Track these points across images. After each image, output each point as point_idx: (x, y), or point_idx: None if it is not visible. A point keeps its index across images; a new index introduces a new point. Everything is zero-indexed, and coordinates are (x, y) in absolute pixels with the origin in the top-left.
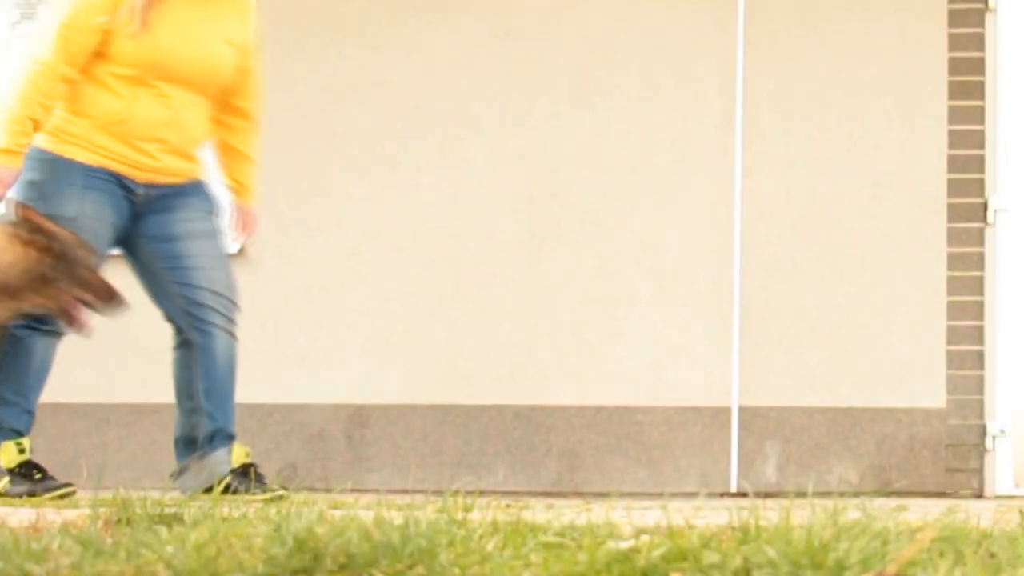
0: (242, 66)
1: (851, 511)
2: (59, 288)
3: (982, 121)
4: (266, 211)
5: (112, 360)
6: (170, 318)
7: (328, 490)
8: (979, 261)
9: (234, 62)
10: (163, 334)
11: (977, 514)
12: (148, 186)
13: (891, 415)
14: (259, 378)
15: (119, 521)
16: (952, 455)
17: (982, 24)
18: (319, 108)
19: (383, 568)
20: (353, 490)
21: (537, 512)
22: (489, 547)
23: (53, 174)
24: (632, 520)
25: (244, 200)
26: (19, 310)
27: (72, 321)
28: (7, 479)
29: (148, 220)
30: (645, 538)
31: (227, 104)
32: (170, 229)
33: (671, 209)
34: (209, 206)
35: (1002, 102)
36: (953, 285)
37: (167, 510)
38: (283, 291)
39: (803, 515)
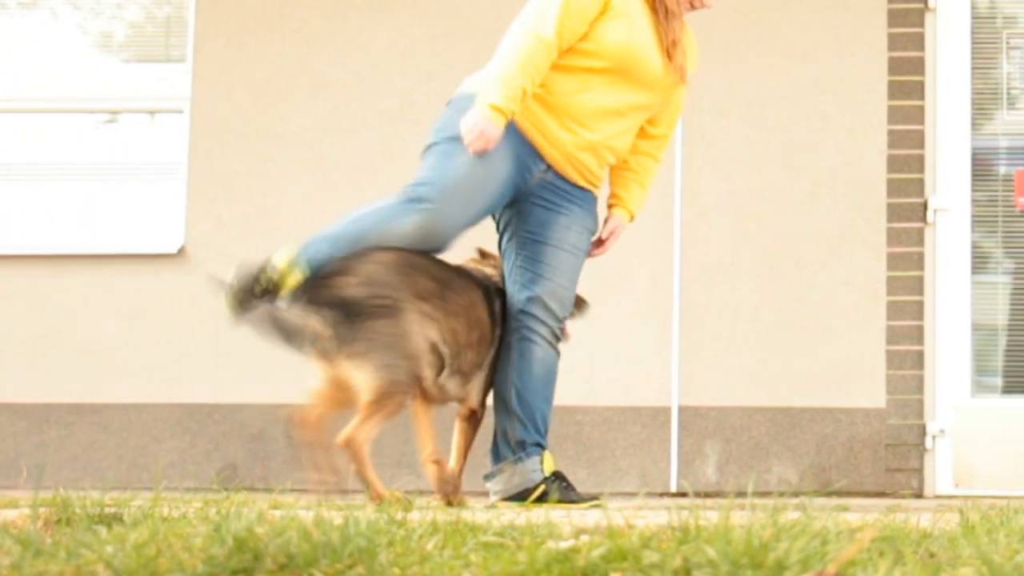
0: (678, 97)
1: (791, 511)
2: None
3: (922, 121)
4: (204, 210)
5: (53, 360)
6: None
7: (268, 490)
8: (919, 261)
9: (678, 91)
10: (105, 335)
11: (917, 514)
12: (549, 168)
13: (831, 415)
14: (199, 377)
15: (59, 521)
16: (892, 455)
17: (922, 24)
18: (259, 108)
19: (323, 568)
20: (293, 490)
21: (477, 512)
22: (429, 547)
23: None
24: (572, 520)
25: (618, 214)
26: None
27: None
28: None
29: (532, 209)
30: (585, 538)
31: (645, 127)
32: (546, 231)
33: None
34: (592, 225)
35: (941, 102)
36: (893, 285)
37: (107, 510)
38: None
39: (743, 515)
